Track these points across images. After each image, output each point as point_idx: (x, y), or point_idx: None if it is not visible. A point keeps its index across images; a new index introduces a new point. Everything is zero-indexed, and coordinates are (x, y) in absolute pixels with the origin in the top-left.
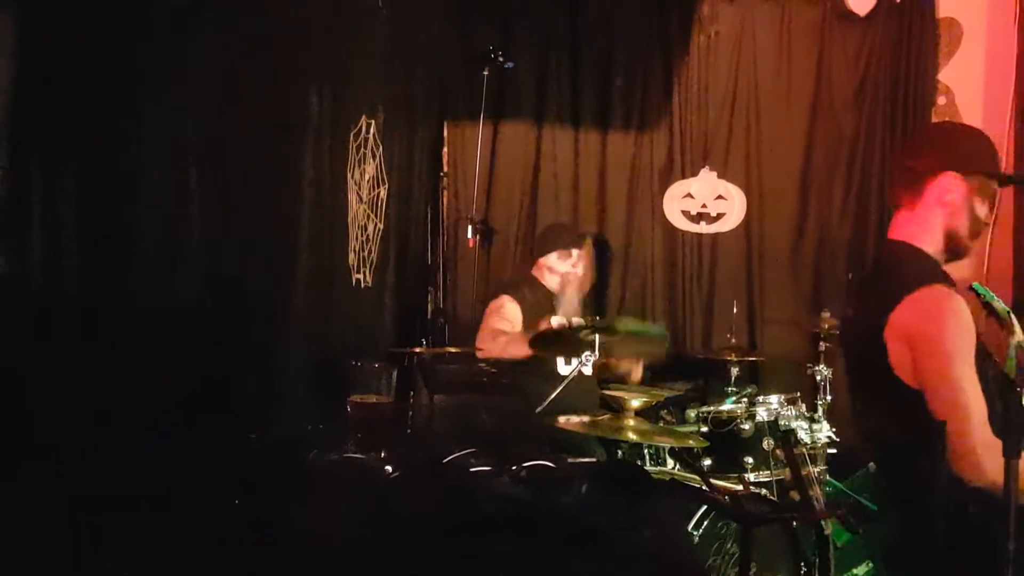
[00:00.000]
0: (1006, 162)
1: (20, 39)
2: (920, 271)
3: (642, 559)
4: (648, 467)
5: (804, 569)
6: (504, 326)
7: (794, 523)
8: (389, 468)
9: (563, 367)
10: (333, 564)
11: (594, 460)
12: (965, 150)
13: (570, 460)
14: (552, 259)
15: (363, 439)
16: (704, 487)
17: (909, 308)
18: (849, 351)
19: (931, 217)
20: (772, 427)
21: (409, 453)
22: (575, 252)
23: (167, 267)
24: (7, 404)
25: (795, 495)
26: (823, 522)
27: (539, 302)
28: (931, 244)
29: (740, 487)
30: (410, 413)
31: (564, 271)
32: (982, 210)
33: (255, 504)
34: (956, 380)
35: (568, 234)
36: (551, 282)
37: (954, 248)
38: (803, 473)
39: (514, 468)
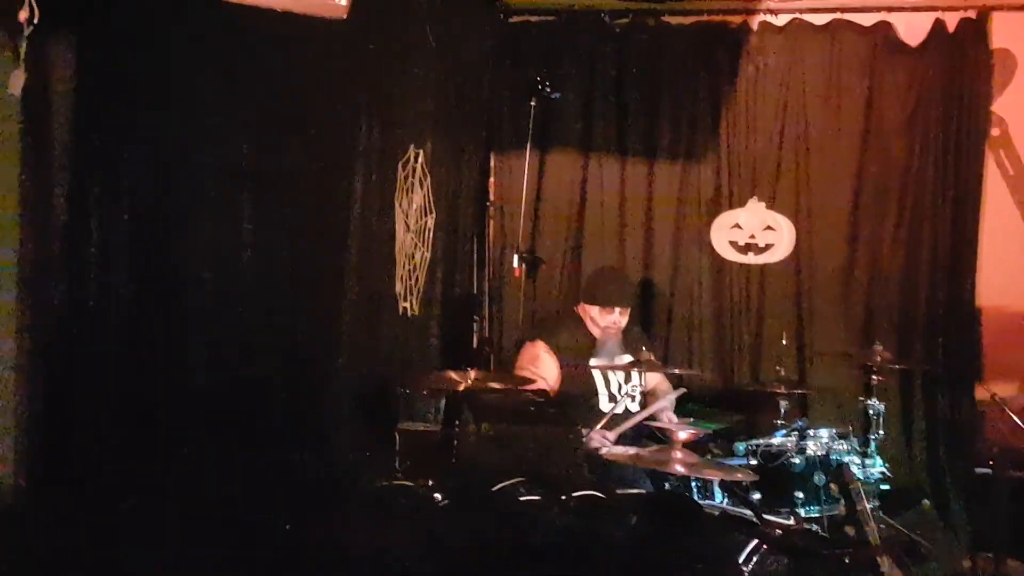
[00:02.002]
0: None
1: (79, 67)
2: None
3: None
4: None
5: None
6: (536, 380)
7: (847, 560)
8: (439, 496)
9: (605, 403)
10: None
11: (643, 492)
12: None
13: (619, 491)
14: (595, 312)
15: (411, 467)
16: (756, 520)
17: None
18: None
19: None
20: (823, 461)
21: (456, 482)
22: (618, 310)
23: (219, 295)
24: (66, 427)
25: (850, 530)
26: (878, 559)
27: (578, 345)
28: None
29: (791, 522)
30: (456, 442)
31: (605, 325)
32: None
33: (305, 529)
34: None
35: (615, 288)
36: (592, 330)
37: None
38: (859, 508)
39: (563, 498)
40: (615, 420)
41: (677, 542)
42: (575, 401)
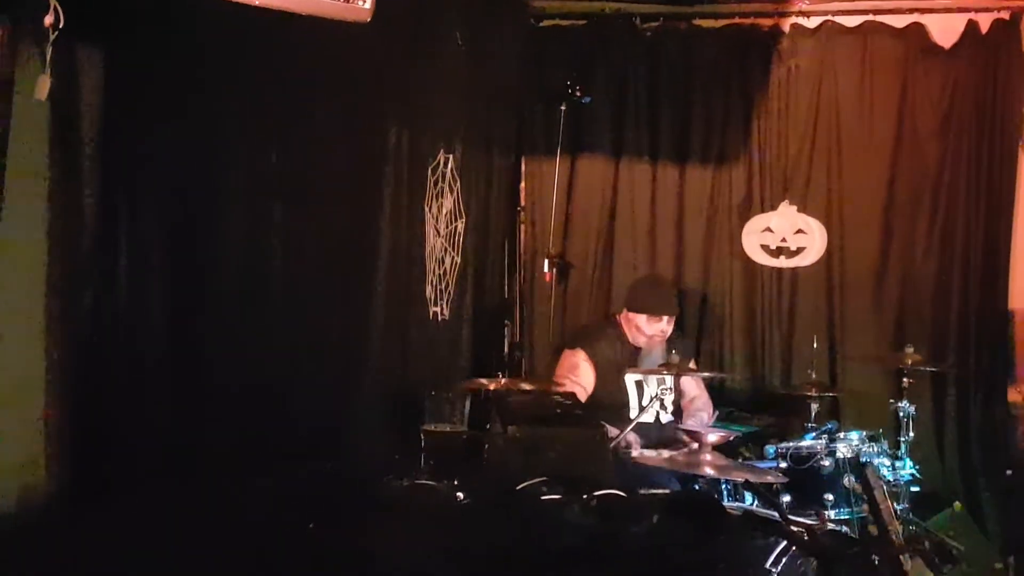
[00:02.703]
0: None
1: (106, 72)
2: None
3: None
4: (726, 503)
5: None
6: (575, 388)
7: (874, 559)
8: (460, 495)
9: (635, 409)
10: None
11: (667, 491)
12: None
13: (642, 492)
14: (642, 320)
15: (436, 467)
16: (781, 521)
17: None
18: None
19: None
20: (853, 464)
21: (481, 482)
22: (665, 319)
23: (249, 300)
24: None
25: (873, 529)
26: (902, 557)
27: (617, 358)
28: None
29: (819, 523)
30: (484, 444)
31: (651, 334)
32: None
33: (330, 528)
34: None
35: (663, 298)
36: (637, 339)
37: None
38: (882, 507)
39: (585, 497)
40: (645, 428)
41: (700, 542)
42: (606, 409)
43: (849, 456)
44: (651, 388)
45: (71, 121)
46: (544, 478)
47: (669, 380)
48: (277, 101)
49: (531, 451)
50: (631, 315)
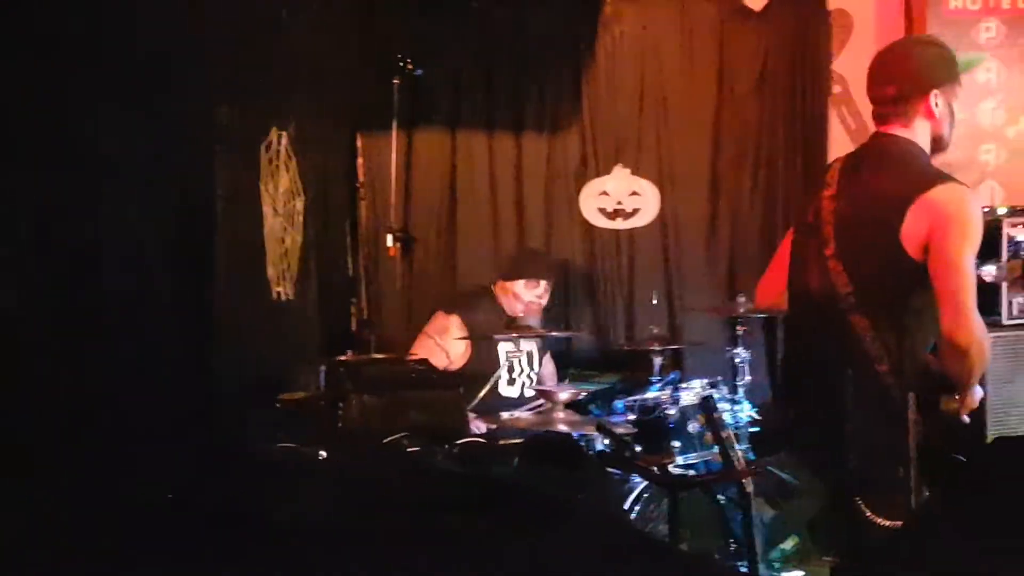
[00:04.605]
0: None
1: None
2: (934, 168)
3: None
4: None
5: (733, 544)
6: (437, 349)
7: (718, 483)
8: (323, 454)
9: (504, 385)
10: (277, 547)
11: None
12: (935, 65)
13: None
14: (520, 287)
15: (295, 432)
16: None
17: (944, 193)
18: (840, 227)
19: (920, 128)
20: (697, 410)
21: (342, 442)
22: (543, 283)
23: (80, 291)
24: None
25: (718, 457)
26: (744, 481)
27: (490, 326)
28: (924, 147)
29: (668, 459)
30: (340, 412)
31: (529, 300)
32: (954, 109)
33: (201, 493)
34: (968, 259)
35: (540, 263)
36: (515, 307)
37: (938, 148)
38: (723, 435)
39: (447, 446)
40: (507, 403)
41: (561, 480)
42: (478, 379)
43: (693, 403)
44: (521, 362)
45: None
46: (406, 433)
47: (522, 345)
48: (91, 78)
49: (388, 414)
50: (507, 284)
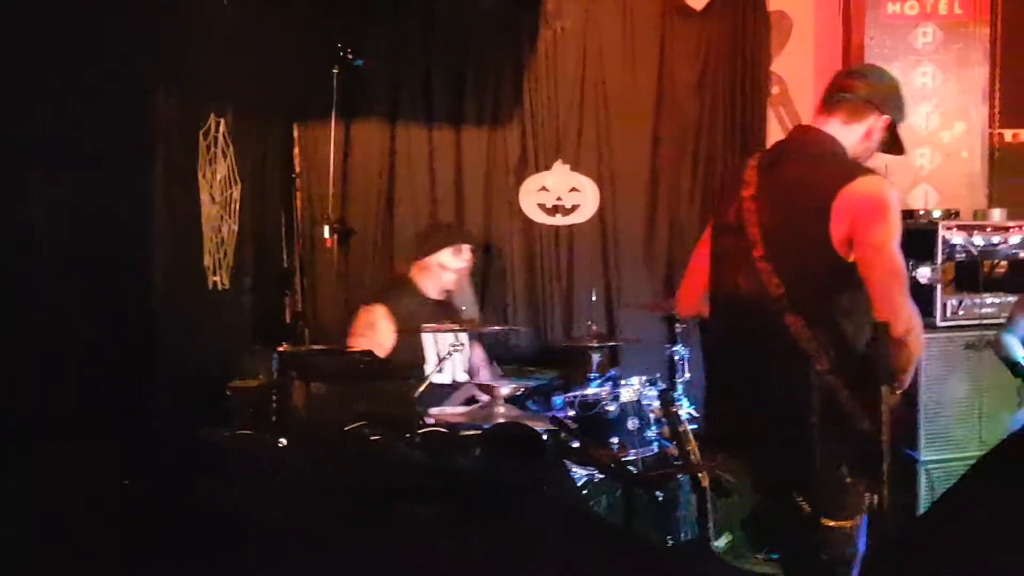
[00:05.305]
0: None
1: None
2: (852, 162)
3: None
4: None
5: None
6: (371, 346)
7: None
8: (282, 441)
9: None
10: (235, 538)
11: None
12: (899, 101)
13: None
14: (445, 256)
15: (248, 419)
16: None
17: (864, 185)
18: (765, 228)
19: (850, 133)
20: (636, 407)
21: (300, 430)
22: (465, 247)
23: (11, 285)
24: None
25: (673, 451)
26: (699, 475)
27: (416, 310)
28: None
29: (620, 452)
30: (290, 400)
31: (458, 267)
32: (877, 143)
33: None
34: (893, 246)
35: (456, 231)
36: (441, 282)
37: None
38: (681, 429)
39: (408, 436)
40: (441, 390)
41: (523, 469)
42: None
43: (631, 401)
44: (446, 342)
45: None
46: (364, 422)
47: (460, 338)
48: (23, 60)
49: (341, 403)
50: (428, 260)
